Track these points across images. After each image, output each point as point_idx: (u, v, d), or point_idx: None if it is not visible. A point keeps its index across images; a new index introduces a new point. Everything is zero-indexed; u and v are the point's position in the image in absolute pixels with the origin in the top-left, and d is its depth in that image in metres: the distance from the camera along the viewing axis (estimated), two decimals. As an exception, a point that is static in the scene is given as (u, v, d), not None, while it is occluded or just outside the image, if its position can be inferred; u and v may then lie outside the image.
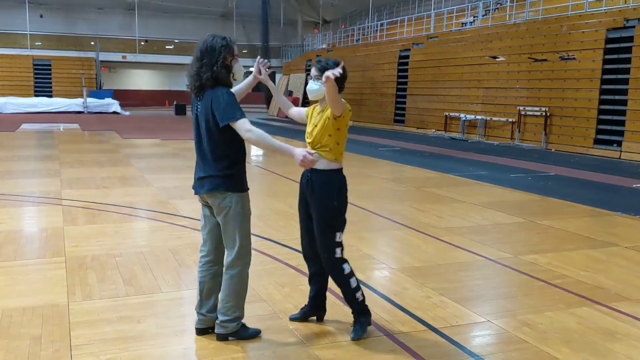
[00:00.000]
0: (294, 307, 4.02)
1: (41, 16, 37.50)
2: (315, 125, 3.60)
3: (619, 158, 14.54)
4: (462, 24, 23.01)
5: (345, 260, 3.63)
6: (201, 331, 3.59)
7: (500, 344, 3.64)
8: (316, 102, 3.74)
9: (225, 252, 3.49)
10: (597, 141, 15.46)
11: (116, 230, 6.20)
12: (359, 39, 30.59)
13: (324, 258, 3.61)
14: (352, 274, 3.63)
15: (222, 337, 3.51)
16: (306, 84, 3.61)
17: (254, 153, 13.40)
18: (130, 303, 4.11)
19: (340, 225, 3.62)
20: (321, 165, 3.55)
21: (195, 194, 3.50)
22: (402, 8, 32.54)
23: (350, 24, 35.85)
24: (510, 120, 18.08)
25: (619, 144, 14.80)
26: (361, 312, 3.68)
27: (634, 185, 10.37)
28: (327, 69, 3.53)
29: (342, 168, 3.63)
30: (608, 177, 11.37)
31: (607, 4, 16.07)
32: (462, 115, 19.90)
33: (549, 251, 5.75)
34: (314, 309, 3.86)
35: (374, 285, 4.64)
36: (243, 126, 3.24)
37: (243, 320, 3.57)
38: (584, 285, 4.74)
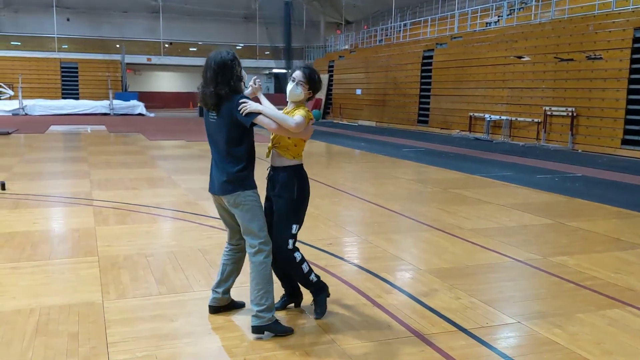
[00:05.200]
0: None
1: (68, 20, 38.17)
2: None
3: (648, 159, 14.34)
4: (487, 23, 22.85)
5: (297, 250, 3.83)
6: (214, 309, 3.95)
7: (531, 345, 3.64)
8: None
9: (247, 243, 3.69)
10: (624, 142, 15.24)
11: (146, 231, 6.31)
12: (381, 40, 30.55)
13: (277, 247, 3.76)
14: (303, 260, 3.85)
15: (258, 330, 3.60)
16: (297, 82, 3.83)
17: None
18: (163, 302, 4.19)
19: (298, 218, 3.82)
20: (282, 162, 3.79)
21: (213, 193, 3.77)
22: (425, 8, 32.40)
23: (373, 24, 35.80)
24: (535, 120, 17.92)
25: (648, 144, 14.59)
26: (318, 290, 3.93)
27: (664, 187, 10.22)
28: (313, 79, 3.83)
29: (302, 164, 3.86)
30: (636, 178, 11.22)
31: (635, 3, 15.84)
32: (486, 115, 19.76)
33: (578, 253, 5.71)
34: (291, 297, 4.13)
35: (403, 287, 4.66)
36: (263, 119, 3.59)
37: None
38: (615, 287, 4.70)
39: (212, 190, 3.77)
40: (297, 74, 3.83)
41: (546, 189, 9.58)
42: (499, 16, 22.86)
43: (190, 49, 40.96)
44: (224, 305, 3.97)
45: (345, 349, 3.50)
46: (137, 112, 31.55)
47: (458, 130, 21.44)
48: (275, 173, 3.82)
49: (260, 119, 3.58)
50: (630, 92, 15.17)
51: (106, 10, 39.37)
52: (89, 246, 5.65)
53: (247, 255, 3.81)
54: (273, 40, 38.37)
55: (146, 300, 4.22)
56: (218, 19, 41.43)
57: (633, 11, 15.66)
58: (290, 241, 3.78)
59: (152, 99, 39.10)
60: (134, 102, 32.30)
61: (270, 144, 3.84)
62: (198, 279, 4.71)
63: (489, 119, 19.63)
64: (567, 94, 16.97)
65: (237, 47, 42.05)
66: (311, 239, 5.97)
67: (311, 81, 3.84)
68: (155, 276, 4.76)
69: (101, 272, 4.84)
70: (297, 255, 3.82)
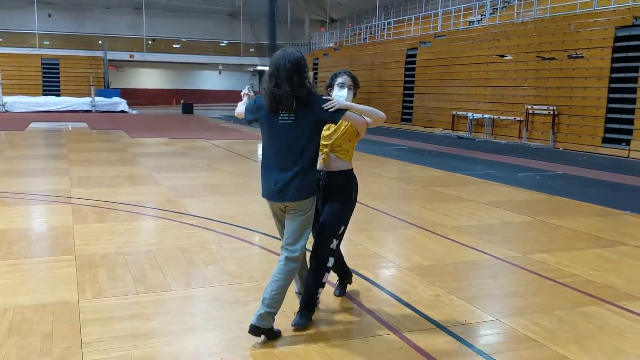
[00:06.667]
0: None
1: (49, 15, 37.72)
2: (335, 130, 3.79)
3: (628, 157, 14.49)
4: (470, 22, 22.96)
5: (333, 254, 3.80)
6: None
7: (509, 342, 3.64)
8: None
9: (290, 247, 3.57)
10: (605, 140, 15.40)
11: (126, 229, 6.24)
12: (366, 38, 30.57)
13: (319, 244, 3.76)
14: (329, 269, 3.81)
15: (257, 331, 3.48)
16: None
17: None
18: (141, 301, 4.14)
19: (347, 220, 3.85)
20: (340, 166, 3.81)
21: (281, 201, 3.52)
22: (409, 6, 32.50)
23: (358, 22, 35.82)
24: (517, 119, 18.03)
25: (628, 142, 14.75)
26: (309, 306, 3.82)
27: (643, 184, 10.33)
28: (357, 82, 3.90)
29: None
30: (617, 176, 11.33)
31: (616, 2, 16.00)
32: (469, 114, 19.87)
33: (558, 250, 5.74)
34: (344, 277, 4.29)
35: (383, 284, 4.65)
36: (350, 114, 3.62)
37: None
38: (594, 285, 4.73)
39: (280, 197, 3.52)
40: (346, 79, 3.82)
41: (527, 186, 9.64)
42: (482, 15, 22.98)
43: (174, 46, 40.71)
44: None
45: (324, 346, 3.47)
46: (119, 109, 31.26)
47: (441, 129, 21.52)
48: (332, 178, 3.79)
49: (348, 115, 3.58)
50: (611, 90, 15.32)
51: (88, 6, 39.01)
52: (66, 244, 5.57)
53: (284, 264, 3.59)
54: (257, 37, 38.28)
55: (123, 300, 4.16)
56: (202, 16, 41.22)
57: (614, 10, 15.82)
58: (335, 242, 3.78)
59: (134, 96, 38.79)
60: (116, 99, 31.99)
61: (327, 149, 3.77)
62: (176, 278, 4.66)
63: (471, 117, 19.73)
64: (548, 92, 17.10)
65: (222, 44, 41.91)
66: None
67: (357, 84, 3.88)
68: (133, 275, 4.69)
69: (78, 271, 4.76)
70: (330, 261, 3.77)
